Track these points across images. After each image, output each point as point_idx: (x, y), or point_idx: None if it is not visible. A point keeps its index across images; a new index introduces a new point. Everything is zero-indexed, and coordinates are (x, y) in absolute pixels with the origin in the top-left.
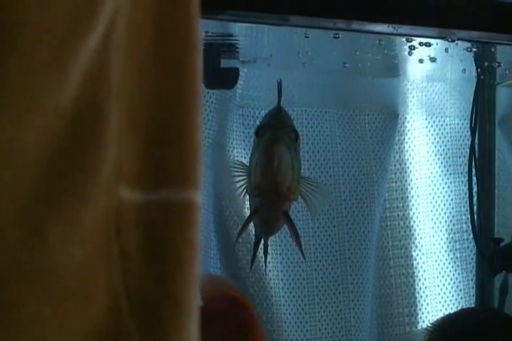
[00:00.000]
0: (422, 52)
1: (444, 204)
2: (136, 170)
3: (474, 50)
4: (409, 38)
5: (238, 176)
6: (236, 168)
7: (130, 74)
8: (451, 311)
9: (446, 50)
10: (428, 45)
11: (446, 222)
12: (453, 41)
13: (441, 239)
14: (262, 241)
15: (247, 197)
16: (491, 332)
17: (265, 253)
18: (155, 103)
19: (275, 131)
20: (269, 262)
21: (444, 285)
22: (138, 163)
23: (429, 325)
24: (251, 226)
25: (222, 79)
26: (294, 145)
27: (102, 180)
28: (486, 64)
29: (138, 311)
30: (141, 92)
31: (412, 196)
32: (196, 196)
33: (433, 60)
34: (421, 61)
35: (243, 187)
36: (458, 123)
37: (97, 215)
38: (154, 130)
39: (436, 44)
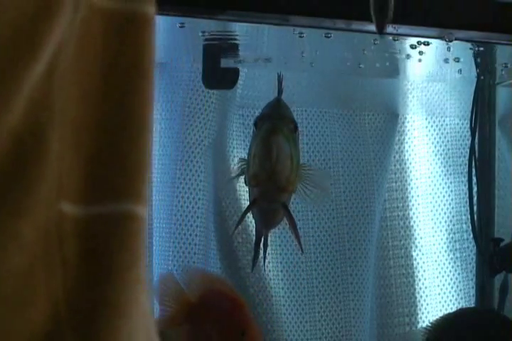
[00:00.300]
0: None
1: (444, 204)
2: (76, 186)
3: (481, 49)
4: (394, 37)
5: (237, 168)
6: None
7: (76, 101)
8: (451, 311)
9: (449, 49)
10: (426, 44)
11: (446, 222)
12: (450, 41)
13: (441, 239)
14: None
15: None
16: (488, 333)
17: (265, 248)
18: (99, 127)
19: (274, 122)
20: (269, 262)
21: (444, 285)
22: (79, 180)
23: (428, 324)
24: (251, 226)
25: (222, 79)
26: (293, 136)
27: (42, 196)
28: (498, 64)
29: (75, 315)
30: (87, 117)
31: (412, 196)
32: (137, 208)
33: (457, 60)
34: (446, 61)
35: (242, 178)
36: (458, 123)
37: (37, 227)
38: (97, 151)
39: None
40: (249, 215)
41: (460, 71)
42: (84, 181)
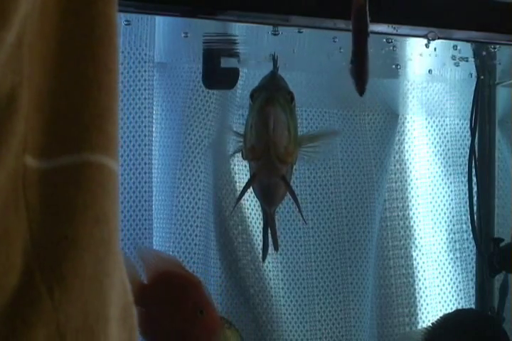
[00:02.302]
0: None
1: (444, 204)
2: (38, 143)
3: (481, 49)
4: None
5: (231, 142)
6: (230, 134)
7: (38, 68)
8: (452, 311)
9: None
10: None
11: (446, 222)
12: (433, 40)
13: (441, 239)
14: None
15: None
16: (485, 335)
17: (273, 227)
18: (58, 90)
19: (270, 92)
20: (269, 262)
21: (444, 285)
22: (40, 137)
23: (429, 324)
24: (251, 227)
25: (222, 79)
26: (290, 106)
27: (12, 148)
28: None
29: (39, 251)
30: (48, 82)
31: (412, 196)
32: (93, 156)
33: (457, 59)
34: (445, 61)
35: (238, 152)
36: (458, 123)
37: (8, 176)
38: (56, 112)
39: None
40: (249, 217)
41: (460, 71)
42: (45, 139)
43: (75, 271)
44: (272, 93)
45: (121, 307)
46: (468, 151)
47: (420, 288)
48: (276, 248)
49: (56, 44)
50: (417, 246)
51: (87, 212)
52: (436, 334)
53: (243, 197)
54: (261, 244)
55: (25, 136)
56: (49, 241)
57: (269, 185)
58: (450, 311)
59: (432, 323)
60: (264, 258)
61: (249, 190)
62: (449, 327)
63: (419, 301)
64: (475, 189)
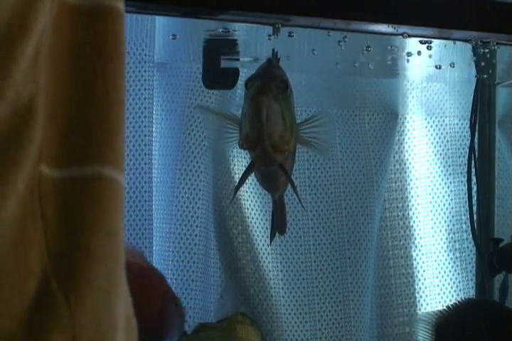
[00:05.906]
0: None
1: (444, 204)
2: (51, 153)
3: (481, 49)
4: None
5: (229, 130)
6: (228, 120)
7: (51, 81)
8: (470, 297)
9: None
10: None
11: (446, 222)
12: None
13: (441, 239)
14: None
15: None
16: (500, 326)
17: (281, 213)
18: (70, 102)
19: (263, 81)
20: (269, 262)
21: (444, 285)
22: (53, 147)
23: (444, 308)
24: (251, 226)
25: (222, 79)
26: (284, 95)
27: (31, 157)
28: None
29: (54, 260)
30: (60, 94)
31: (412, 196)
32: (104, 170)
33: (457, 59)
34: (445, 61)
35: (235, 142)
36: (458, 123)
37: (26, 183)
38: (68, 123)
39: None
40: (249, 217)
41: (460, 71)
42: (58, 149)
43: (88, 281)
44: (265, 82)
45: (125, 318)
46: (467, 151)
47: (420, 288)
48: (281, 232)
49: (68, 56)
50: (417, 246)
51: (98, 223)
52: (450, 319)
53: (243, 198)
54: (261, 243)
55: (41, 146)
56: (64, 250)
57: (269, 173)
58: (467, 297)
59: (447, 306)
60: (271, 240)
61: (249, 190)
62: (463, 312)
63: (419, 301)
64: (475, 189)
